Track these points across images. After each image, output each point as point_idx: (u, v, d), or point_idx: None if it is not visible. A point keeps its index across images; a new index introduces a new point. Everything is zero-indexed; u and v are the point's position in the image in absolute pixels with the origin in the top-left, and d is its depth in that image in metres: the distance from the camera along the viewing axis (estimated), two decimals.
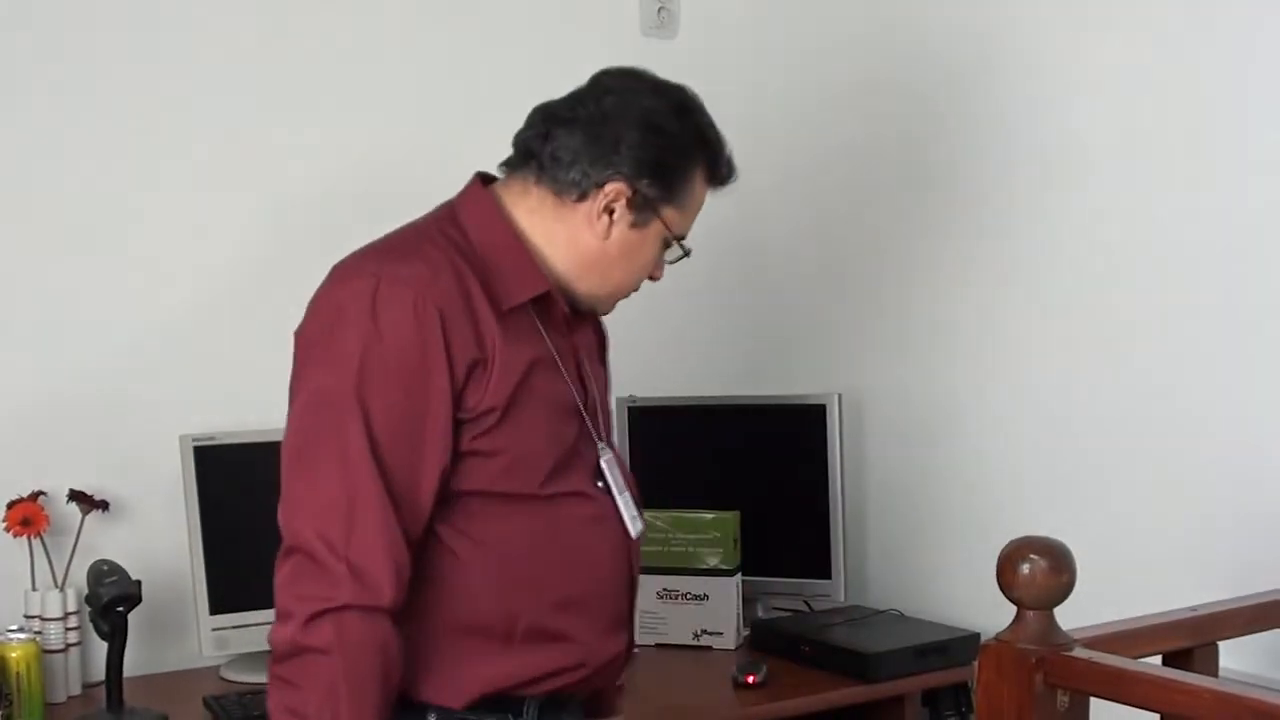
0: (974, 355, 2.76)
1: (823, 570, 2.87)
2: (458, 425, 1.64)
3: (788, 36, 3.22)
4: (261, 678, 2.48)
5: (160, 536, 2.60)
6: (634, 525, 1.83)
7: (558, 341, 1.76)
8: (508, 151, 1.87)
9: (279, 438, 2.52)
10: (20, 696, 2.14)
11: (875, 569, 3.00)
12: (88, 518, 2.52)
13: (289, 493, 1.63)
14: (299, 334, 1.70)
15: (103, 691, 2.33)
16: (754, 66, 3.27)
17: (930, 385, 2.86)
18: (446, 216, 1.77)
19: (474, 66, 2.98)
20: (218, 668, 2.60)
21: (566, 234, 1.76)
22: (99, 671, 2.39)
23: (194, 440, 2.54)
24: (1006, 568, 1.51)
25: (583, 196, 1.74)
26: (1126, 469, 2.44)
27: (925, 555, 2.88)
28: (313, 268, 2.75)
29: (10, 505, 2.45)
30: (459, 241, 1.71)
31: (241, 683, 2.52)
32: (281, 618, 1.59)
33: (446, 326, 1.62)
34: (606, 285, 1.81)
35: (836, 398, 2.86)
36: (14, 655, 2.16)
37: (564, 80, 3.02)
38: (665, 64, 3.15)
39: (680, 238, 1.81)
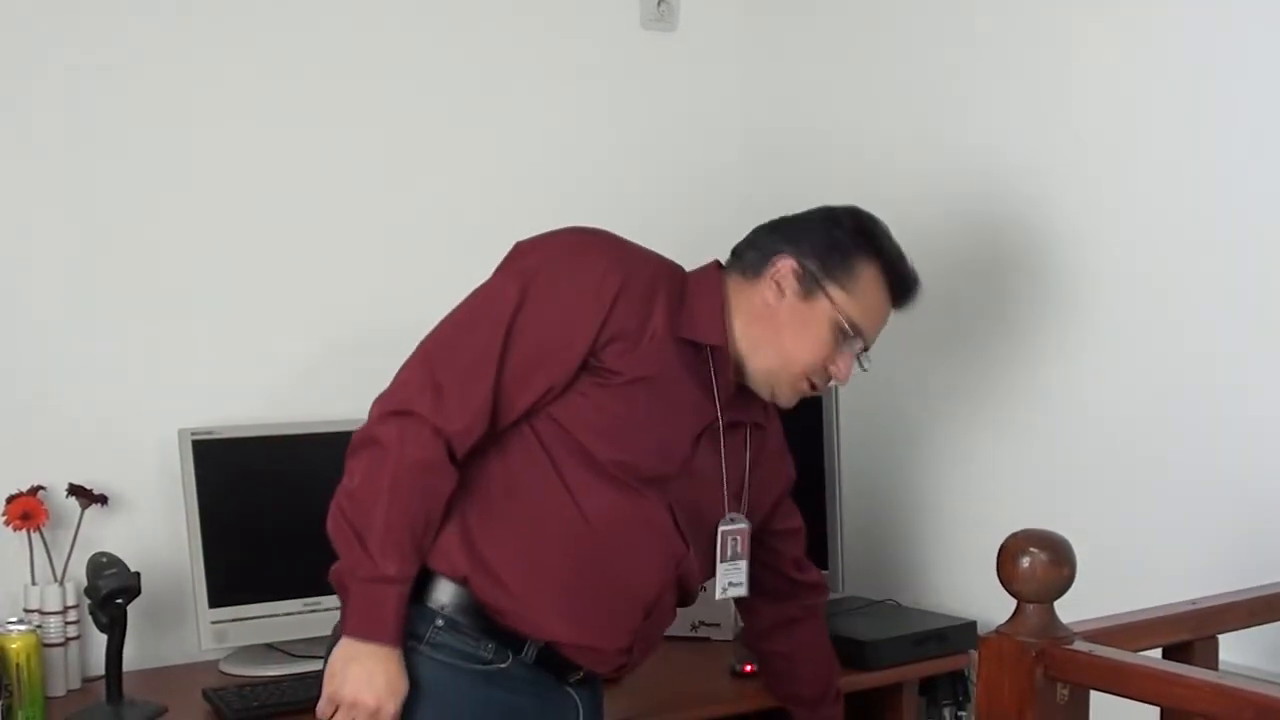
0: (974, 345, 2.76)
1: (820, 560, 2.84)
2: (583, 367, 1.85)
3: (784, 29, 3.21)
4: (260, 671, 2.52)
5: (159, 531, 2.60)
6: (726, 590, 2.06)
7: (720, 403, 1.97)
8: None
9: (278, 432, 2.59)
10: (21, 688, 2.14)
11: (872, 559, 3.00)
12: (87, 512, 2.52)
13: (438, 334, 1.88)
14: (519, 243, 1.94)
15: (102, 685, 2.33)
16: (752, 59, 3.27)
17: (930, 376, 2.86)
18: (675, 264, 1.99)
19: (474, 56, 2.98)
20: (217, 661, 2.60)
21: (746, 302, 1.97)
22: (98, 665, 2.39)
23: (193, 434, 2.54)
24: (1007, 561, 1.52)
25: (759, 273, 1.96)
26: (1127, 461, 2.44)
27: (922, 546, 2.88)
28: (311, 263, 2.78)
29: (9, 500, 2.44)
30: (672, 278, 1.94)
31: (241, 676, 2.52)
32: (371, 415, 1.84)
33: (620, 296, 1.85)
34: (779, 355, 1.96)
35: (834, 387, 2.85)
36: (14, 647, 2.15)
37: (564, 70, 3.06)
38: (664, 56, 3.19)
39: (854, 325, 1.95)
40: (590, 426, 1.86)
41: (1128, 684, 1.44)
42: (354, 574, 1.79)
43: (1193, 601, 1.71)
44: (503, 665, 1.89)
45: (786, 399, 2.03)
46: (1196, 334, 2.33)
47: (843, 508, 2.86)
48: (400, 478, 1.79)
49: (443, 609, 1.86)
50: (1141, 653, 1.53)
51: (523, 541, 1.87)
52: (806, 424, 2.86)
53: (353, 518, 1.79)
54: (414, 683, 1.84)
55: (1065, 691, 1.50)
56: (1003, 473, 2.69)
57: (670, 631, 2.74)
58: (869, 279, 1.96)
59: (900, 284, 2.00)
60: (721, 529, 2.02)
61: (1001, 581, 1.52)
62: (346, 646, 1.81)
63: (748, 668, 2.50)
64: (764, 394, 2.01)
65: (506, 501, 1.88)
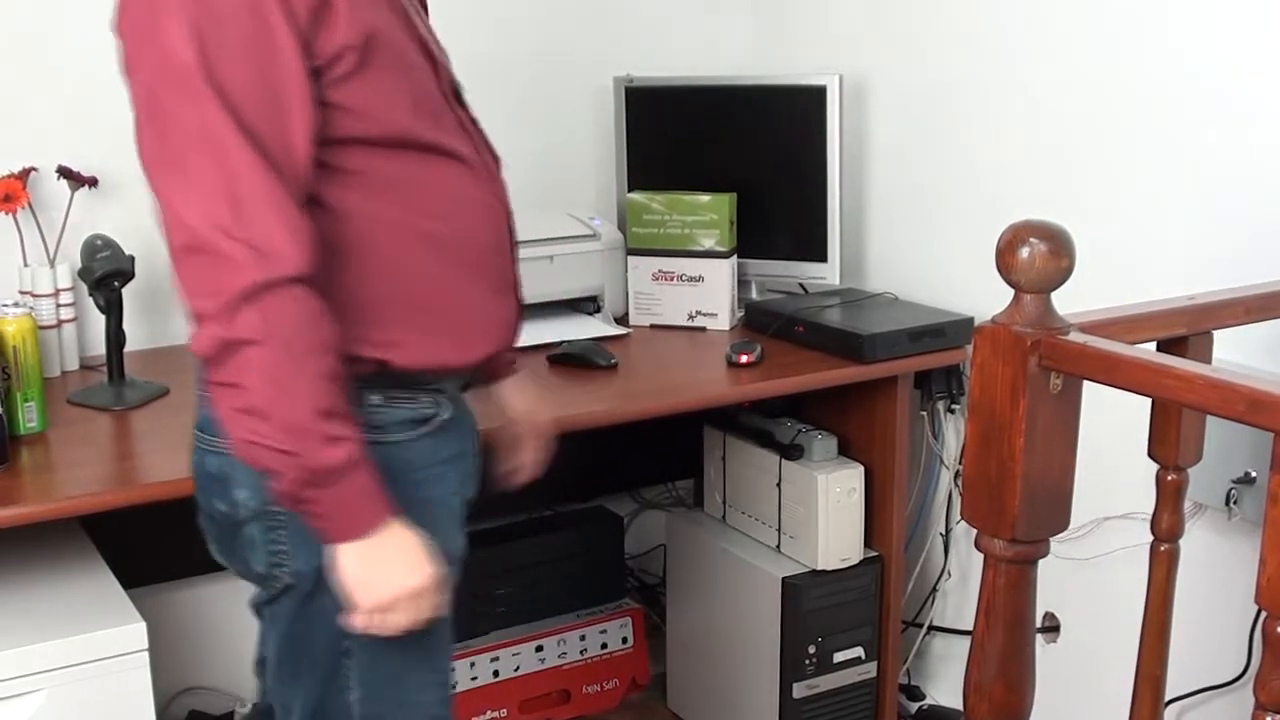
0: (981, 37, 2.68)
1: (819, 254, 2.86)
2: (316, 74, 1.54)
3: None
4: None
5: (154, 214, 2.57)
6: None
7: None
8: None
9: None
10: (18, 370, 2.15)
11: (873, 253, 2.99)
12: (83, 196, 2.49)
13: (163, 193, 1.53)
14: (118, 28, 1.55)
15: (100, 366, 2.36)
16: None
17: (935, 68, 2.79)
18: None
19: None
20: None
21: None
22: (96, 347, 2.41)
23: None
24: (1006, 251, 1.50)
25: None
26: (1131, 156, 2.39)
27: (924, 240, 2.87)
28: None
29: None
30: None
31: None
32: (198, 321, 1.51)
33: None
34: None
35: (837, 79, 2.79)
36: (10, 329, 2.15)
37: None
38: None
39: None
40: (371, 125, 1.60)
41: (1121, 375, 1.44)
42: (315, 484, 1.53)
43: (1190, 296, 1.70)
44: (445, 417, 1.72)
45: None
46: (1206, 19, 2.25)
47: (843, 200, 2.83)
48: (293, 357, 1.50)
49: (370, 396, 1.66)
50: (1136, 345, 1.53)
51: (398, 297, 1.66)
52: (809, 116, 2.82)
53: (272, 435, 1.50)
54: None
55: (1059, 381, 1.50)
56: (1007, 166, 2.65)
57: (666, 321, 2.79)
58: None
59: None
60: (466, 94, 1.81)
61: (1000, 271, 1.51)
62: (353, 553, 1.58)
63: (744, 357, 2.51)
64: None
65: (363, 264, 1.63)
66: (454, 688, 1.82)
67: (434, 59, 1.73)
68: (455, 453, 1.76)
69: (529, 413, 2.04)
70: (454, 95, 1.78)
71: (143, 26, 1.52)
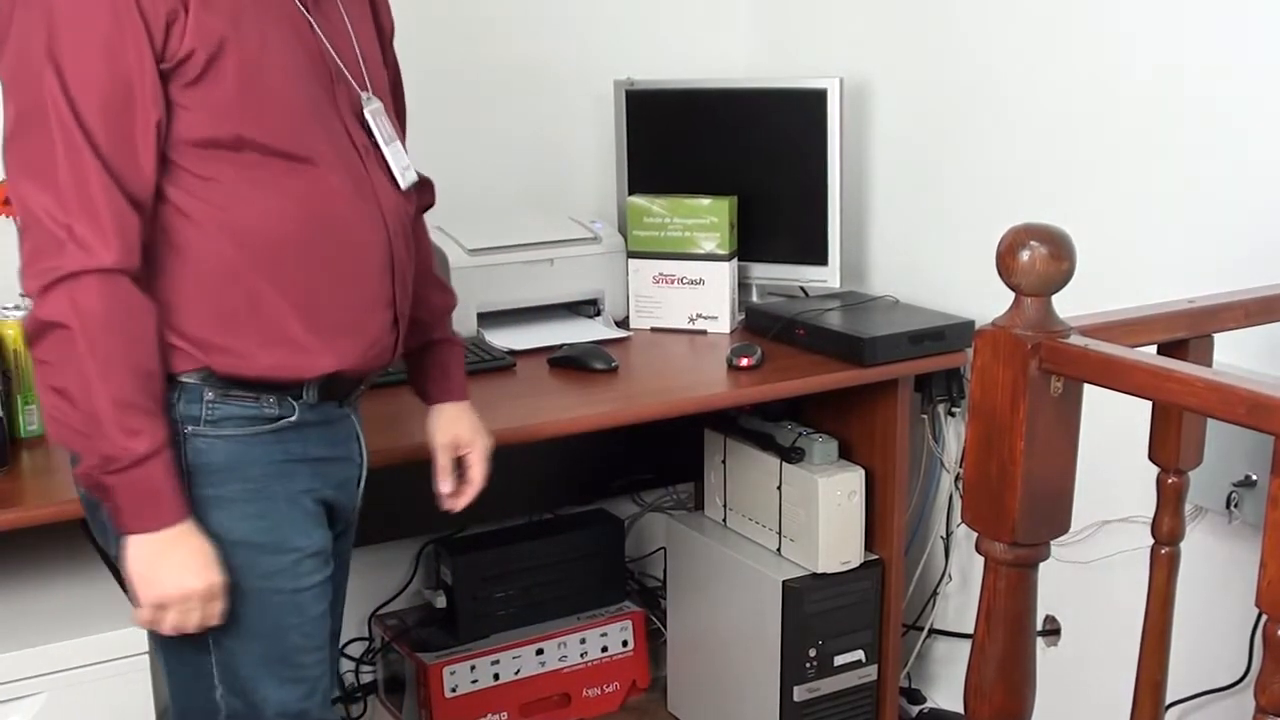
0: (984, 40, 2.68)
1: (819, 257, 2.86)
2: (164, 76, 1.57)
3: None
4: None
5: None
6: (404, 176, 1.81)
7: None
8: None
9: None
10: (19, 373, 2.15)
11: (873, 257, 2.99)
12: None
13: (11, 162, 1.58)
14: None
15: None
16: None
17: (936, 71, 2.79)
18: None
19: None
20: None
21: None
22: None
23: None
24: (1007, 254, 1.50)
25: None
26: (1133, 160, 2.39)
27: (924, 243, 2.87)
28: None
29: None
30: None
31: None
32: (29, 297, 1.59)
33: None
34: None
35: (838, 82, 2.79)
36: (10, 333, 2.16)
37: None
38: None
39: None
40: (225, 126, 1.61)
41: (1122, 378, 1.44)
42: (107, 470, 1.57)
43: (1190, 300, 1.70)
44: (291, 419, 1.73)
45: None
46: (1209, 24, 2.25)
47: (844, 204, 2.83)
48: (97, 345, 1.54)
49: (206, 392, 1.68)
50: (1137, 349, 1.53)
51: (230, 302, 1.65)
52: (809, 120, 2.82)
53: (74, 417, 1.56)
54: (210, 470, 1.68)
55: (1059, 385, 1.50)
56: (1009, 169, 2.64)
57: (666, 324, 2.78)
58: None
59: None
60: (368, 112, 1.77)
61: (1000, 274, 1.51)
62: (141, 545, 1.61)
63: (744, 361, 2.51)
64: None
65: (184, 266, 1.64)
66: (331, 685, 1.85)
67: (330, 72, 1.72)
68: (312, 455, 1.76)
69: (459, 443, 2.00)
70: (354, 111, 1.76)
71: (6, 10, 1.57)
